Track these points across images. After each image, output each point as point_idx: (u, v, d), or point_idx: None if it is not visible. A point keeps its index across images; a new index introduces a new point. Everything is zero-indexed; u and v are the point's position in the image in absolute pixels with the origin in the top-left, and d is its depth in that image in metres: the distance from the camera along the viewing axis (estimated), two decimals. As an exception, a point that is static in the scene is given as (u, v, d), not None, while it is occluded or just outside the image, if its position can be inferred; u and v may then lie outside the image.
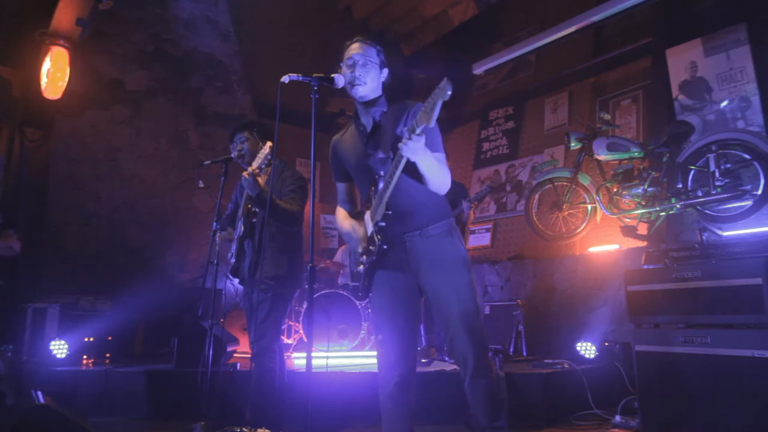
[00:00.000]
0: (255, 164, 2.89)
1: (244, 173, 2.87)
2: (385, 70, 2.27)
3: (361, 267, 2.22)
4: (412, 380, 2.17)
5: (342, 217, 2.40)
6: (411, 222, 2.16)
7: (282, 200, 3.06)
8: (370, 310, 5.19)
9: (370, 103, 2.26)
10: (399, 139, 2.02)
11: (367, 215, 2.20)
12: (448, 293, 2.12)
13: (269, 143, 2.89)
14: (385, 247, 2.10)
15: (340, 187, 2.46)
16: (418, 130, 1.86)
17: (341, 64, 2.24)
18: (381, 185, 2.12)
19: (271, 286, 3.04)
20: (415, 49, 7.93)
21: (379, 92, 2.27)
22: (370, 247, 2.15)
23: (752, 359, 2.45)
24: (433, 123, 1.80)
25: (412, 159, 1.94)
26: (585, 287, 4.90)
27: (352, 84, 2.18)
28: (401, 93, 8.01)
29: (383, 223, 2.09)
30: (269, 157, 2.87)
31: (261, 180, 2.92)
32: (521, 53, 5.92)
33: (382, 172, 2.14)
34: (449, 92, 1.73)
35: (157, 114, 6.03)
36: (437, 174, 2.05)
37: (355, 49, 2.24)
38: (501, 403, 2.13)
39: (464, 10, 7.02)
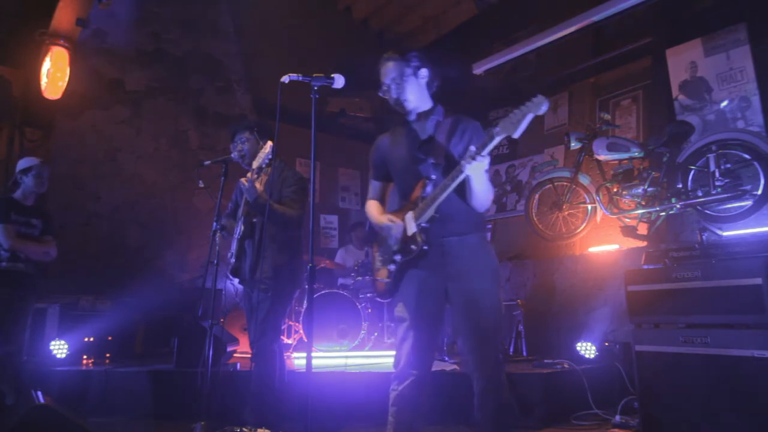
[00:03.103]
0: (255, 163, 2.90)
1: (242, 179, 2.89)
2: (423, 71, 2.27)
3: (393, 265, 2.24)
4: (427, 381, 2.19)
5: (377, 211, 2.44)
6: (451, 227, 2.18)
7: (282, 202, 3.06)
8: (369, 311, 5.21)
9: (424, 114, 2.30)
10: (452, 149, 2.12)
11: (409, 215, 2.21)
12: (475, 303, 2.14)
13: (270, 142, 2.90)
14: (426, 248, 2.13)
15: (376, 185, 2.53)
16: (485, 151, 1.93)
17: (379, 93, 2.30)
18: (430, 189, 2.16)
19: (271, 286, 3.04)
20: (415, 49, 7.90)
21: (429, 102, 2.31)
22: (411, 246, 2.18)
23: (752, 359, 2.45)
24: (518, 135, 1.85)
25: (471, 174, 2.01)
26: (585, 287, 4.89)
27: (395, 105, 2.26)
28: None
29: (427, 225, 2.13)
30: (270, 156, 2.87)
31: (259, 184, 2.92)
32: (521, 53, 5.92)
33: (433, 176, 2.18)
34: (544, 108, 1.80)
35: (157, 114, 6.03)
36: (485, 194, 2.12)
37: (383, 73, 2.28)
38: (509, 423, 2.13)
39: (464, 10, 7.01)
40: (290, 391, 3.18)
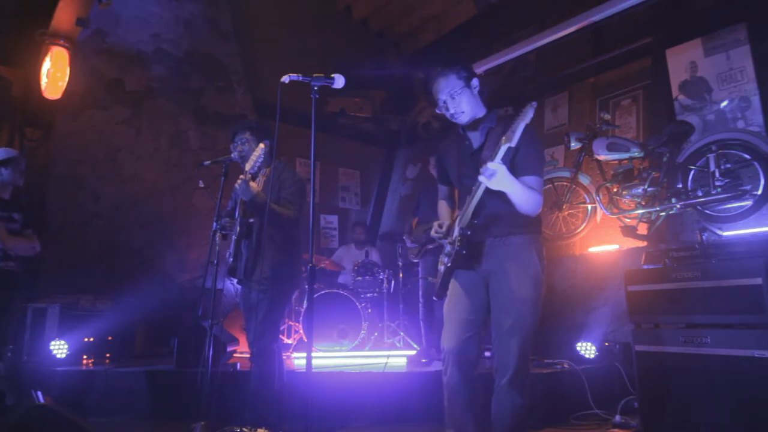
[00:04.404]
0: (248, 166, 2.90)
1: (238, 179, 2.89)
2: (474, 81, 2.32)
3: (442, 267, 2.36)
4: (471, 370, 2.27)
5: (443, 214, 2.56)
6: (494, 229, 2.26)
7: (279, 204, 3.07)
8: (369, 311, 5.21)
9: (476, 122, 2.35)
10: (503, 159, 2.17)
11: (458, 221, 2.31)
12: (507, 303, 2.20)
13: (261, 145, 2.90)
14: (464, 252, 2.23)
15: (442, 188, 2.63)
16: (496, 158, 2.05)
17: (437, 109, 2.37)
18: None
19: (269, 287, 3.04)
20: (415, 49, 7.92)
21: (482, 109, 2.36)
22: (451, 249, 2.29)
23: (752, 359, 2.45)
24: (514, 143, 2.03)
25: (490, 186, 2.10)
26: (585, 287, 4.89)
27: (453, 119, 2.32)
28: (402, 93, 8.03)
29: (469, 232, 2.22)
30: (261, 159, 2.87)
31: (255, 184, 2.92)
32: (521, 53, 5.92)
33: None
34: (530, 116, 2.01)
35: (157, 114, 6.03)
36: (520, 200, 2.17)
37: (437, 89, 2.32)
38: (521, 425, 2.17)
39: (464, 10, 7.02)
40: (290, 391, 3.18)
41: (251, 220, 3.11)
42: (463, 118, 2.31)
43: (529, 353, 2.20)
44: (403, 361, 4.67)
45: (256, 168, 2.91)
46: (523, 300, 2.18)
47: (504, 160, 2.12)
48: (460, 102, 2.28)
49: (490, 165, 2.04)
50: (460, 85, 2.28)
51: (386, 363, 4.16)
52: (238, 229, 3.10)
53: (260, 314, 3.03)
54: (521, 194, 2.15)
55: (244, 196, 2.91)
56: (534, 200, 2.18)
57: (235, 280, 3.35)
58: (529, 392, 2.18)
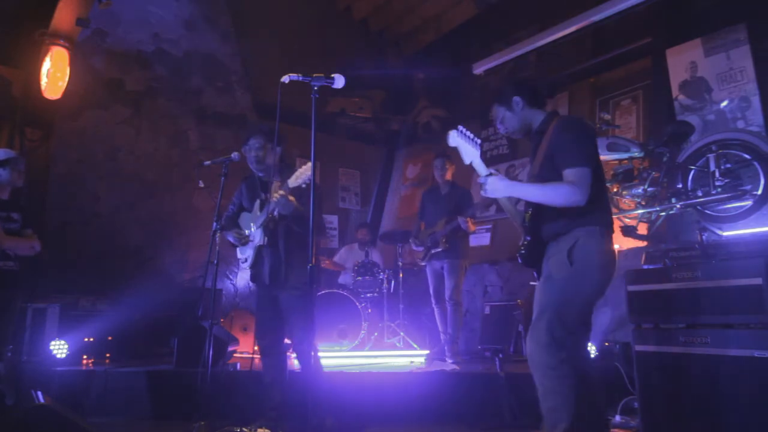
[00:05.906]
0: (294, 182, 2.83)
1: (275, 194, 2.86)
2: (515, 100, 2.43)
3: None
4: None
5: (515, 220, 2.67)
6: (549, 231, 2.36)
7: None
8: (369, 311, 5.21)
9: (530, 130, 2.49)
10: (544, 159, 2.31)
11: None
12: (542, 295, 2.35)
13: (308, 163, 2.84)
14: (527, 254, 2.42)
15: None
16: (481, 177, 2.22)
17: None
18: None
19: (304, 290, 3.05)
20: (415, 49, 7.92)
21: (535, 117, 2.46)
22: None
23: (752, 359, 2.45)
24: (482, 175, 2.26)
25: (492, 196, 2.28)
26: (585, 287, 4.88)
27: (509, 137, 2.42)
28: (402, 93, 8.03)
29: (528, 237, 2.40)
30: (311, 177, 2.82)
31: (293, 198, 2.89)
32: (521, 53, 5.92)
33: None
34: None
35: (157, 114, 6.03)
36: (543, 198, 2.27)
37: (493, 117, 2.54)
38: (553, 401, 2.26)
39: (464, 10, 7.02)
40: (289, 391, 3.19)
41: (274, 229, 3.10)
42: (516, 135, 2.51)
43: (557, 327, 2.25)
44: (420, 360, 4.68)
45: (301, 183, 2.82)
46: (550, 289, 2.30)
47: (547, 161, 2.26)
48: (507, 125, 2.48)
49: (480, 180, 2.19)
50: (502, 110, 2.47)
51: (411, 362, 4.15)
52: (266, 238, 3.08)
53: (299, 319, 3.03)
54: (536, 192, 2.25)
55: (285, 210, 2.91)
56: (562, 192, 2.19)
57: (236, 281, 3.36)
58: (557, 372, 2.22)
